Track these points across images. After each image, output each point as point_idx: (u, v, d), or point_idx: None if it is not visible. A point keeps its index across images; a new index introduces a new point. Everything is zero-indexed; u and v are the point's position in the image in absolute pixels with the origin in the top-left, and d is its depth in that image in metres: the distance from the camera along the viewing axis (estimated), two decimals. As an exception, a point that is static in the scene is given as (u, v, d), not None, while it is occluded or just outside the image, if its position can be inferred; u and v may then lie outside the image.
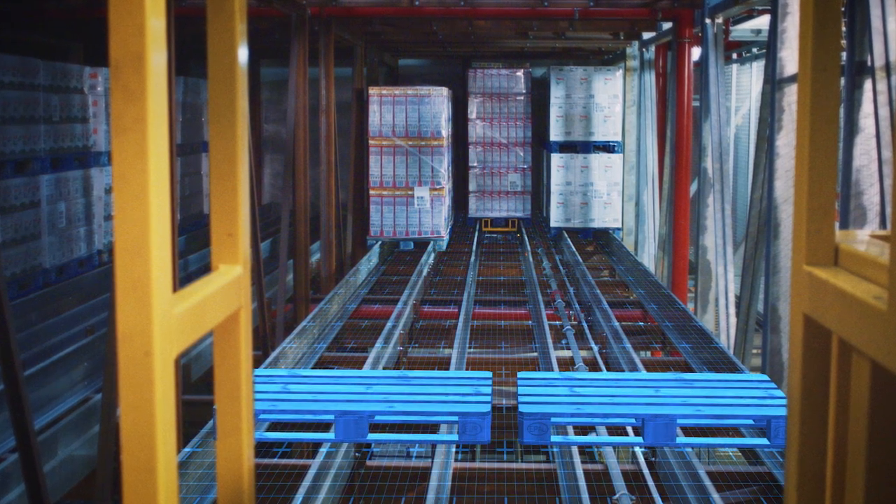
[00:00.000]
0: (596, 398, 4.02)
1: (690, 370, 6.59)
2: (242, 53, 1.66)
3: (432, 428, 5.21)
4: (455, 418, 3.86)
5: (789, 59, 6.53)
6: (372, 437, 3.95)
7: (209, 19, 1.63)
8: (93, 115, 10.28)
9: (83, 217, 10.05)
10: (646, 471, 4.73)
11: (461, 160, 15.16)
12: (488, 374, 4.33)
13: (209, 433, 4.79)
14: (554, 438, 3.96)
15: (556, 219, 13.21)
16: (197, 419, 6.08)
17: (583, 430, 5.20)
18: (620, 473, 4.61)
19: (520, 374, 4.32)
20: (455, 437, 3.99)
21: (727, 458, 6.45)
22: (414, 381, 4.27)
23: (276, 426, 5.15)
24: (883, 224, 5.67)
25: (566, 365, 6.74)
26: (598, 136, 13.30)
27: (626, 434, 4.97)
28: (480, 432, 3.81)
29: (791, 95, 6.47)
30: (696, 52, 10.89)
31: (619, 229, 13.27)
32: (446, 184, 12.25)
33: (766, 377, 4.40)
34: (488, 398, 4.01)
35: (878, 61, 5.60)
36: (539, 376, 4.35)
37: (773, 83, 6.62)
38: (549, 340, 7.07)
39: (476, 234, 13.19)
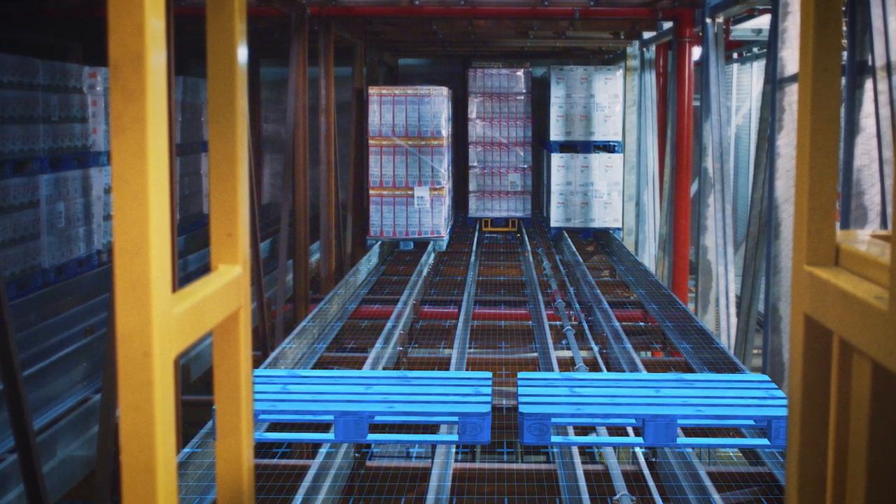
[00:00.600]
0: (596, 398, 4.02)
1: (691, 370, 6.59)
2: (242, 53, 1.66)
3: (432, 428, 5.20)
4: (455, 419, 3.86)
5: (790, 58, 6.53)
6: (372, 437, 3.94)
7: (209, 19, 1.63)
8: (92, 115, 10.28)
9: (82, 217, 10.04)
10: (646, 471, 4.73)
11: (461, 160, 15.16)
12: (488, 374, 4.33)
13: (209, 433, 4.79)
14: (554, 439, 3.96)
15: (556, 219, 13.21)
16: (196, 419, 6.07)
17: (583, 430, 5.20)
18: (621, 474, 4.61)
19: (520, 375, 4.32)
20: (455, 437, 3.98)
21: (728, 458, 6.45)
22: (414, 381, 4.27)
23: (275, 426, 5.15)
24: (884, 224, 5.66)
25: (566, 365, 6.74)
26: (599, 135, 13.30)
27: (627, 434, 4.96)
28: (480, 433, 3.81)
29: (792, 95, 6.46)
30: (696, 52, 10.88)
31: (619, 229, 13.27)
32: (446, 184, 12.24)
33: (766, 377, 4.39)
34: (488, 398, 4.00)
35: (879, 61, 5.60)
36: (539, 377, 4.35)
37: (774, 83, 6.62)
38: (550, 341, 7.07)
39: (476, 233, 13.18)
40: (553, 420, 3.85)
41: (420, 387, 4.18)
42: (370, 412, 3.87)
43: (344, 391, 4.11)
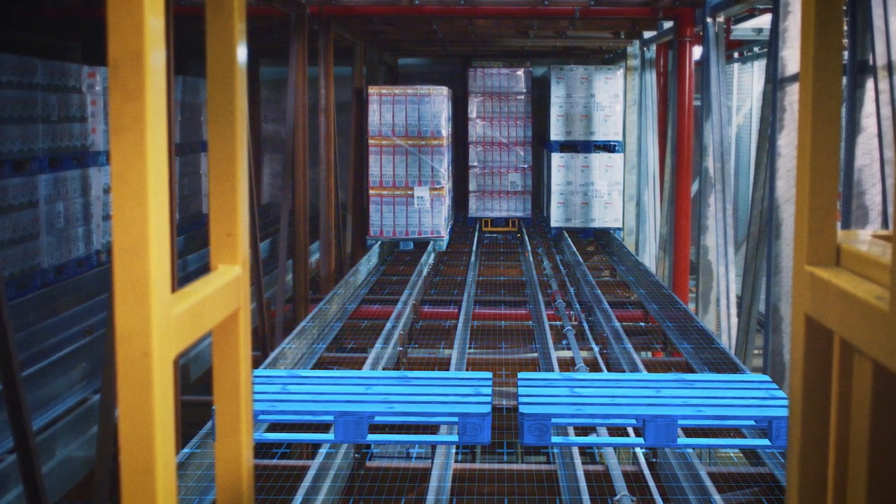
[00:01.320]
0: (596, 399, 4.02)
1: (692, 371, 6.58)
2: (241, 52, 1.65)
3: (432, 429, 5.20)
4: (455, 419, 3.85)
5: (791, 58, 6.53)
6: (371, 437, 3.94)
7: (208, 18, 1.62)
8: (91, 115, 10.28)
9: (81, 217, 10.04)
10: (647, 472, 4.72)
11: (461, 160, 15.15)
12: (488, 374, 4.33)
13: (208, 434, 4.79)
14: (555, 439, 3.95)
15: (556, 219, 13.20)
16: (196, 420, 6.07)
17: (583, 431, 5.19)
18: (621, 474, 4.61)
19: (520, 375, 4.31)
20: (455, 437, 3.98)
21: (728, 458, 6.45)
22: (413, 381, 4.27)
23: (275, 427, 5.14)
24: (885, 224, 5.66)
25: (567, 365, 6.73)
26: (599, 135, 13.29)
27: (627, 435, 4.96)
28: (481, 433, 3.80)
29: (793, 95, 6.46)
30: (697, 52, 10.88)
31: (619, 229, 13.26)
32: (446, 183, 12.24)
33: (767, 378, 4.39)
34: (488, 399, 4.00)
35: (880, 60, 5.60)
36: (539, 377, 4.34)
37: (775, 82, 6.62)
38: (550, 341, 7.06)
39: (476, 233, 13.18)
40: (553, 420, 3.85)
41: (420, 387, 4.18)
42: (370, 412, 3.86)
43: (343, 391, 4.10)
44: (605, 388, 4.17)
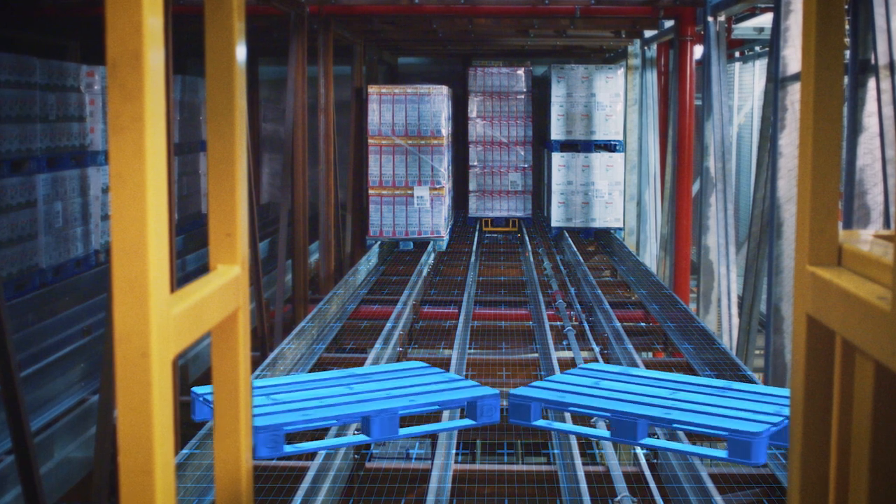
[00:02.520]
0: (606, 392, 4.08)
1: (693, 371, 6.57)
2: (241, 51, 1.65)
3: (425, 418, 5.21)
4: (464, 404, 4.00)
5: (792, 57, 6.52)
6: (404, 431, 3.99)
7: (207, 17, 1.62)
8: (90, 114, 10.27)
9: (80, 217, 10.04)
10: (647, 472, 4.71)
11: (461, 159, 15.15)
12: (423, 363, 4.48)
13: (207, 434, 4.78)
14: (538, 423, 4.05)
15: (556, 218, 13.19)
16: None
17: (583, 423, 5.18)
18: (622, 475, 4.60)
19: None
20: (472, 421, 4.06)
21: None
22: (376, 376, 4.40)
23: (293, 437, 5.06)
24: (887, 224, 5.65)
25: (567, 366, 6.72)
26: (600, 134, 13.28)
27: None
28: (494, 413, 3.99)
29: (794, 94, 6.46)
30: (698, 51, 10.88)
31: (620, 229, 13.25)
32: (446, 183, 12.23)
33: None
34: (473, 383, 4.18)
35: (882, 59, 5.59)
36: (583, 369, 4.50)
37: (776, 82, 6.61)
38: (550, 341, 7.05)
39: (476, 233, 13.17)
40: (562, 408, 3.95)
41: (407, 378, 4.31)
42: (394, 408, 3.91)
43: (341, 392, 4.10)
44: (626, 383, 4.23)
